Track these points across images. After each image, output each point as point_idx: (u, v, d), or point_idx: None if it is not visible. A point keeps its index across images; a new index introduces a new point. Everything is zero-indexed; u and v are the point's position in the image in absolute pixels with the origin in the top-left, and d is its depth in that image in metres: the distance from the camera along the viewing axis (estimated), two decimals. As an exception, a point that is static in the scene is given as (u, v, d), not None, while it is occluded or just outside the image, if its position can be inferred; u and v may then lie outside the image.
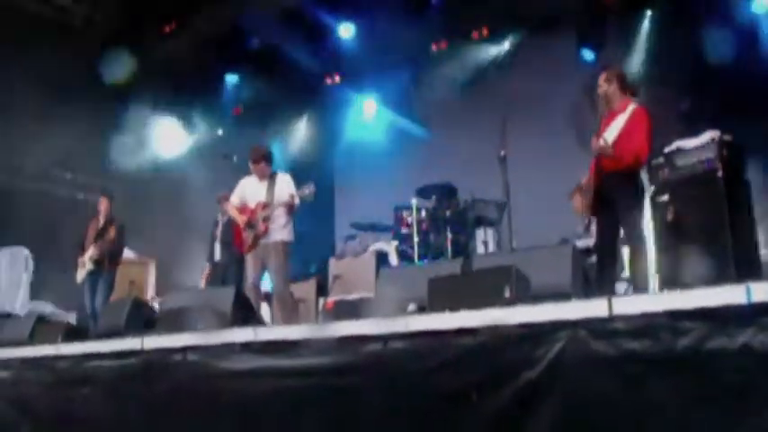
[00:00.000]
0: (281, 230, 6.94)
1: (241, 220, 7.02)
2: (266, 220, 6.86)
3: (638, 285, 5.27)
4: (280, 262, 6.90)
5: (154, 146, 12.27)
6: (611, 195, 5.59)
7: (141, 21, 11.10)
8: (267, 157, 7.16)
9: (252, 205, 7.05)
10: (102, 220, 8.68)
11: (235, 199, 7.20)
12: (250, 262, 7.02)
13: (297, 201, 6.83)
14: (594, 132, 5.67)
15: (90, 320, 8.14)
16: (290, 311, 7.00)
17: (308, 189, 6.81)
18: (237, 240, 7.20)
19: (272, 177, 7.09)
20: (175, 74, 11.76)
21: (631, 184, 5.57)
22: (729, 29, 8.36)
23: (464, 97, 11.25)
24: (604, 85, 5.82)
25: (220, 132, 13.05)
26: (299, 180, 7.15)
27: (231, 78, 12.62)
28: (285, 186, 6.97)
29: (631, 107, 5.68)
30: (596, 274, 5.46)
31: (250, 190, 7.15)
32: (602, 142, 5.58)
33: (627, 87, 5.83)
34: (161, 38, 11.52)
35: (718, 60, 8.06)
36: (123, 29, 11.09)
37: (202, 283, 9.05)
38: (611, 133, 5.64)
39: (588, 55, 9.85)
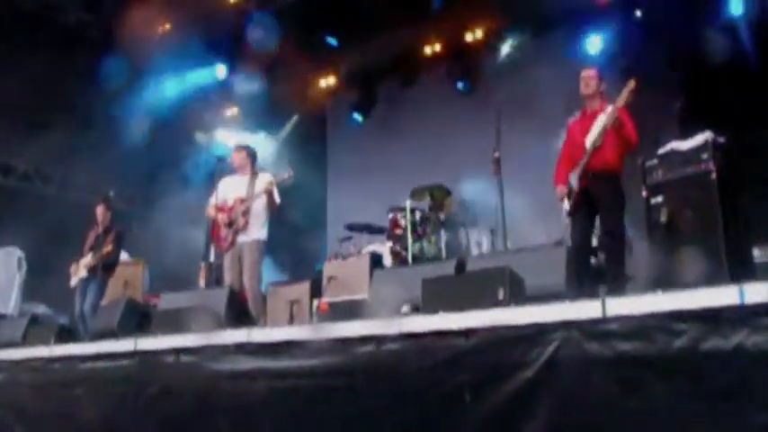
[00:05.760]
0: (258, 228, 6.81)
1: (221, 219, 6.85)
2: (245, 213, 6.74)
3: (621, 286, 5.26)
4: (254, 259, 6.76)
5: (151, 146, 12.20)
6: (597, 195, 5.70)
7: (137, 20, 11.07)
8: (248, 149, 7.10)
9: (231, 203, 6.89)
10: (100, 228, 8.58)
11: (212, 199, 7.02)
12: (227, 262, 6.86)
13: (276, 194, 6.71)
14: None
15: (78, 323, 8.07)
16: (259, 306, 6.86)
17: (287, 174, 6.66)
18: (216, 238, 7.05)
19: (254, 175, 6.96)
20: (172, 73, 11.76)
21: (617, 185, 5.71)
22: (721, 29, 8.38)
23: (459, 98, 11.25)
24: (592, 84, 5.91)
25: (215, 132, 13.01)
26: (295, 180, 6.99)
27: (225, 78, 12.59)
28: (264, 180, 6.82)
29: (610, 107, 5.76)
30: (571, 273, 5.48)
31: (230, 188, 6.99)
32: (588, 145, 5.73)
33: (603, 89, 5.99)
34: (159, 37, 11.50)
35: (712, 61, 8.09)
36: (119, 28, 11.05)
37: (201, 283, 8.96)
38: (595, 132, 5.73)
39: (585, 57, 9.87)
